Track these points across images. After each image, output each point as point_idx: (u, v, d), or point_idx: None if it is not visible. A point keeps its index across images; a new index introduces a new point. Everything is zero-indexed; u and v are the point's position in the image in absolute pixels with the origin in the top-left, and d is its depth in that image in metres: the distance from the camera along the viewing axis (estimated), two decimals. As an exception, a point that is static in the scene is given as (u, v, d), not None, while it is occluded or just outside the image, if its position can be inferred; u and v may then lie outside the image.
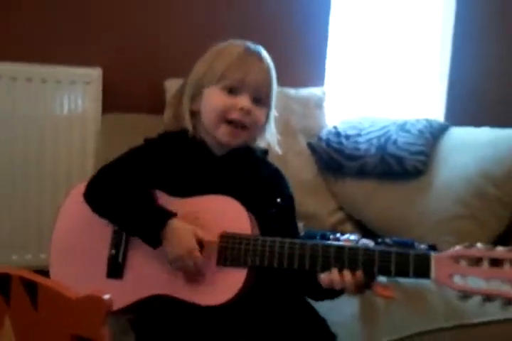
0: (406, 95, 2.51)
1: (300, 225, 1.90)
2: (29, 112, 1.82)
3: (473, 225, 1.84)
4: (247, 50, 1.30)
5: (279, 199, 1.32)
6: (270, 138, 1.36)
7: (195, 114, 1.32)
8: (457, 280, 1.04)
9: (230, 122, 1.27)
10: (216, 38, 1.34)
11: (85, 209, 1.27)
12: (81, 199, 1.28)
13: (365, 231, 2.02)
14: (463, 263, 1.04)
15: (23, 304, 0.79)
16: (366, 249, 1.12)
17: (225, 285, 1.16)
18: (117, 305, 1.15)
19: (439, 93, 2.50)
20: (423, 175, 1.95)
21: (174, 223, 1.17)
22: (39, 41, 1.88)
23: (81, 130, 1.87)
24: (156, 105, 1.83)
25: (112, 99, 1.90)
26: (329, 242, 1.18)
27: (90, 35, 1.93)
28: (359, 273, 1.11)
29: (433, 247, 1.69)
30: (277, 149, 1.38)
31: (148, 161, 1.28)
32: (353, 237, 1.68)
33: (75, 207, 1.30)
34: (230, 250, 1.16)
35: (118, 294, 1.16)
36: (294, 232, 1.34)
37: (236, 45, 1.32)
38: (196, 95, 1.31)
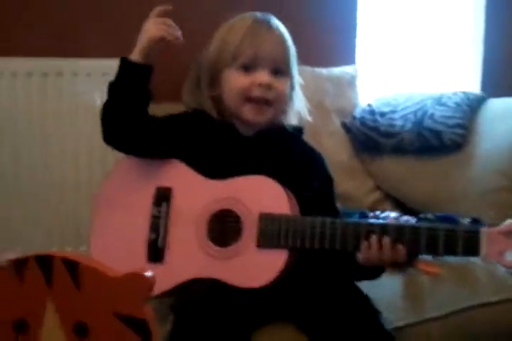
0: (440, 68, 2.45)
1: (337, 205, 1.89)
2: (46, 107, 1.79)
3: (517, 197, 1.80)
4: (255, 22, 1.28)
5: (315, 182, 1.29)
6: (299, 106, 1.33)
7: (216, 98, 1.30)
8: (509, 256, 1.01)
9: (252, 100, 1.25)
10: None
11: (124, 191, 1.28)
12: (119, 180, 1.29)
13: (404, 209, 1.99)
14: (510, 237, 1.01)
15: (65, 284, 0.79)
16: (412, 227, 1.10)
17: (266, 267, 1.15)
18: (158, 289, 1.16)
19: (474, 64, 2.44)
20: (462, 148, 1.90)
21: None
22: (67, 35, 1.86)
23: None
24: (175, 95, 1.82)
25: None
26: (372, 221, 1.15)
27: (111, 25, 1.90)
28: (400, 248, 1.09)
29: (477, 221, 1.66)
30: (308, 117, 1.35)
31: (175, 130, 1.28)
32: (393, 214, 1.66)
33: (113, 189, 1.31)
34: (269, 231, 1.15)
35: (158, 278, 1.17)
36: (333, 214, 1.28)
37: (243, 18, 1.29)
38: (214, 80, 1.29)
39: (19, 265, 0.82)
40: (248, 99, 1.25)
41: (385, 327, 1.17)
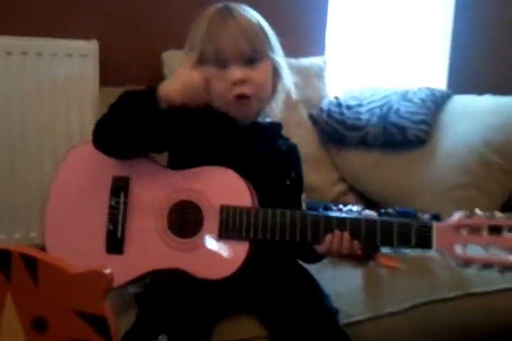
0: (408, 64, 2.47)
1: (303, 196, 1.90)
2: (26, 87, 1.78)
3: (477, 194, 1.83)
4: (215, 15, 1.25)
5: (293, 174, 1.32)
6: (288, 84, 1.33)
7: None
8: (458, 249, 1.05)
9: (234, 98, 1.23)
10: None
11: (79, 180, 1.25)
12: (74, 168, 1.26)
13: (367, 202, 2.01)
14: (463, 231, 1.05)
15: (23, 280, 0.78)
16: (368, 220, 1.12)
17: (228, 258, 1.15)
18: (119, 281, 1.16)
19: (441, 61, 2.46)
20: (426, 144, 1.93)
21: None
22: (34, 14, 1.84)
23: (79, 104, 1.83)
24: (154, 77, 1.80)
25: (109, 72, 1.87)
26: (331, 214, 1.17)
27: (86, 6, 1.88)
28: (355, 242, 1.12)
29: (436, 217, 1.68)
30: (294, 95, 1.36)
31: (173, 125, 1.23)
32: (355, 208, 1.67)
33: (68, 178, 1.27)
34: (231, 223, 1.15)
35: (119, 269, 1.16)
36: (299, 206, 1.34)
37: (207, 12, 1.26)
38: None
39: (-24, 259, 0.80)
40: (230, 101, 1.23)
41: (340, 327, 1.18)
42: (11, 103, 1.78)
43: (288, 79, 1.34)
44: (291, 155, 1.35)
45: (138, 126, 1.15)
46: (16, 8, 1.81)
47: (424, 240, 1.08)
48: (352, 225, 1.12)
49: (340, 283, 1.36)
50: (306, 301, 1.19)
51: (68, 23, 1.86)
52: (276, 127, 1.37)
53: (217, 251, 1.16)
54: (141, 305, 1.18)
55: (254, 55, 1.24)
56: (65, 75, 1.80)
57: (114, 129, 1.17)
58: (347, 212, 1.66)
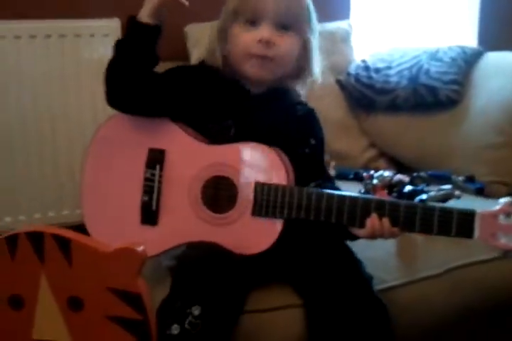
0: (437, 22, 2.41)
1: (332, 164, 1.89)
2: (51, 69, 1.80)
3: (510, 154, 1.79)
4: None
5: (312, 140, 1.30)
6: (316, 68, 1.31)
7: (227, 59, 1.28)
8: (501, 238, 1.04)
9: (253, 56, 1.22)
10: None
11: (115, 150, 1.26)
12: (111, 138, 1.27)
13: (399, 166, 1.99)
14: (502, 219, 1.04)
15: (57, 261, 0.80)
16: (408, 205, 1.10)
17: (261, 235, 1.15)
18: (153, 251, 1.18)
19: (471, 18, 2.39)
20: (457, 104, 1.89)
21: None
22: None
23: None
24: (177, 52, 1.79)
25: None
26: (369, 196, 1.16)
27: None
28: (395, 228, 1.11)
29: (471, 178, 1.67)
30: (319, 80, 1.33)
31: (181, 82, 1.27)
32: (387, 173, 1.66)
33: (102, 149, 1.28)
34: (265, 201, 1.15)
35: (153, 240, 1.20)
36: (323, 172, 1.33)
37: None
38: (225, 38, 1.27)
39: (10, 241, 0.82)
40: (250, 56, 1.23)
41: (375, 293, 1.18)
42: (37, 85, 1.80)
43: (317, 62, 1.32)
44: (309, 120, 1.33)
45: (135, 57, 1.21)
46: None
47: (465, 229, 1.06)
48: (390, 209, 1.10)
49: (374, 249, 1.35)
50: (339, 268, 1.19)
51: (89, 2, 1.85)
52: (292, 92, 1.34)
53: (251, 228, 1.16)
54: (174, 276, 1.20)
55: (290, 22, 1.23)
56: (89, 55, 1.81)
57: (116, 73, 1.22)
58: (378, 177, 1.65)
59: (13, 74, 1.78)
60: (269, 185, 1.15)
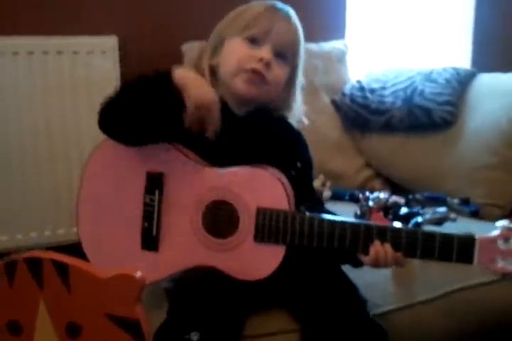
0: (431, 44, 2.43)
1: (328, 184, 1.89)
2: (48, 85, 1.81)
3: (505, 174, 1.80)
4: (275, 6, 1.28)
5: (298, 163, 1.29)
6: (295, 107, 1.32)
7: (214, 71, 1.28)
8: (498, 262, 1.05)
9: (247, 71, 1.22)
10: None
11: (111, 173, 1.23)
12: (106, 160, 1.24)
13: (394, 187, 2.00)
14: (500, 244, 1.05)
15: (56, 286, 0.79)
16: (409, 232, 1.11)
17: (263, 261, 1.14)
18: (154, 278, 1.17)
19: (464, 39, 2.41)
20: (452, 125, 1.90)
21: (180, 70, 1.12)
22: (52, 13, 1.85)
23: (101, 100, 1.85)
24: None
25: (130, 67, 1.87)
26: (371, 222, 1.14)
27: (103, 2, 1.88)
28: (398, 254, 1.11)
29: (466, 201, 1.67)
30: (304, 120, 1.35)
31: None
32: (382, 195, 1.66)
33: (98, 173, 1.25)
34: (267, 227, 1.14)
35: (154, 266, 1.19)
36: (310, 195, 1.33)
37: (262, 2, 1.29)
38: (217, 48, 1.28)
39: (9, 267, 0.82)
40: (243, 70, 1.23)
41: (370, 316, 1.18)
42: (34, 102, 1.80)
43: (300, 105, 1.34)
44: (295, 142, 1.33)
45: (152, 113, 1.11)
46: (33, 8, 1.82)
47: (466, 255, 1.07)
48: (392, 236, 1.10)
49: (371, 273, 1.33)
50: (336, 293, 1.19)
51: (87, 19, 1.87)
52: (277, 115, 1.33)
53: (253, 254, 1.15)
54: (172, 301, 1.19)
55: (287, 54, 1.26)
56: (86, 72, 1.82)
57: (126, 113, 1.13)
58: (374, 199, 1.65)
59: (10, 90, 1.78)
60: (271, 211, 1.14)
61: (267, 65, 1.22)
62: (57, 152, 1.85)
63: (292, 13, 1.29)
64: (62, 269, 0.79)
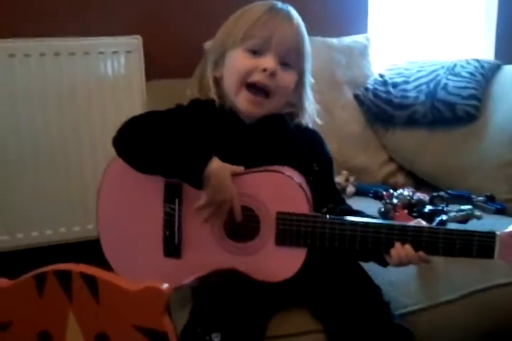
0: (453, 35, 2.40)
1: (351, 179, 1.90)
2: (76, 86, 1.83)
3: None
4: (273, 7, 1.23)
5: (315, 166, 1.28)
6: (309, 108, 1.30)
7: (218, 82, 1.26)
8: None
9: (251, 86, 1.20)
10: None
11: (129, 185, 1.24)
12: (122, 174, 1.23)
13: (417, 182, 1.99)
14: None
15: (85, 298, 0.81)
16: (430, 231, 1.11)
17: (285, 264, 1.16)
18: (177, 283, 1.18)
19: (488, 31, 2.38)
20: (476, 120, 1.88)
21: (214, 164, 1.12)
22: (75, 15, 1.88)
23: (128, 100, 1.88)
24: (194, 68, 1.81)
25: (154, 66, 1.89)
26: (392, 222, 1.16)
27: (125, 3, 1.90)
28: (421, 252, 1.12)
29: (491, 198, 1.66)
30: (317, 120, 1.32)
31: (179, 124, 1.23)
32: (406, 192, 1.65)
33: (117, 183, 1.26)
34: (288, 231, 1.15)
35: (177, 272, 1.20)
36: (332, 195, 1.31)
37: (261, 4, 1.25)
38: (219, 60, 1.26)
39: (38, 279, 0.84)
40: (247, 85, 1.21)
41: (394, 317, 1.18)
42: (63, 101, 1.84)
43: (311, 104, 1.31)
44: (309, 144, 1.31)
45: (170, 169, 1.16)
46: (57, 10, 1.85)
47: (486, 251, 1.09)
48: (413, 236, 1.12)
49: (395, 272, 1.34)
50: (358, 294, 1.19)
51: (111, 20, 1.90)
52: (288, 117, 1.31)
53: (275, 257, 1.16)
54: (195, 301, 1.20)
55: (292, 59, 1.23)
56: (112, 72, 1.85)
57: (146, 155, 1.16)
58: (398, 196, 1.65)
59: (37, 90, 1.81)
60: (291, 215, 1.15)
61: (272, 74, 1.19)
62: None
63: (292, 11, 1.25)
64: (91, 282, 0.81)
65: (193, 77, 1.33)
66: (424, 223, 1.16)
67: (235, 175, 1.15)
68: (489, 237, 1.08)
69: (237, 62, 1.21)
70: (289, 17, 1.23)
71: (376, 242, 1.13)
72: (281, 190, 1.16)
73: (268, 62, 1.19)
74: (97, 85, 1.85)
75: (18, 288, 0.85)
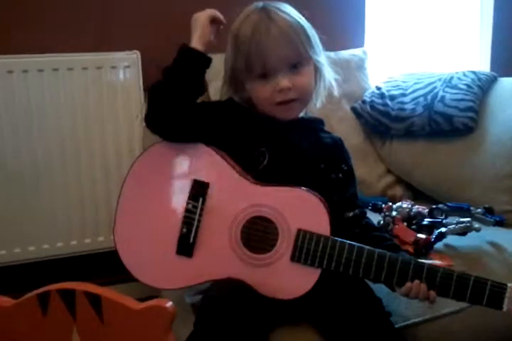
0: (449, 48, 2.42)
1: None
2: (74, 100, 1.85)
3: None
4: (261, 21, 1.25)
5: (344, 166, 1.33)
6: (329, 80, 1.36)
7: (246, 99, 1.32)
8: None
9: (280, 103, 1.26)
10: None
11: (156, 177, 1.25)
12: (152, 164, 1.26)
13: (415, 193, 2.00)
14: None
15: (89, 317, 0.81)
16: (445, 272, 1.12)
17: (296, 282, 1.16)
18: (183, 283, 1.19)
19: (483, 43, 2.40)
20: (474, 132, 1.88)
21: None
22: (73, 31, 1.89)
23: (126, 114, 1.90)
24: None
25: (152, 81, 1.89)
26: (408, 257, 1.17)
27: (123, 19, 1.92)
28: (432, 292, 1.13)
29: (490, 210, 1.66)
30: (335, 90, 1.38)
31: (215, 114, 1.29)
32: (405, 205, 1.65)
33: (142, 177, 1.27)
34: (305, 249, 1.15)
35: (186, 272, 1.19)
36: (356, 200, 1.33)
37: (246, 18, 1.28)
38: (238, 88, 1.31)
39: (42, 298, 0.84)
40: (275, 104, 1.27)
41: (395, 329, 1.20)
42: (61, 116, 1.85)
43: (329, 75, 1.36)
44: (338, 147, 1.36)
45: (185, 85, 1.22)
46: (56, 26, 1.87)
47: (495, 301, 1.10)
48: (428, 274, 1.12)
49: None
50: (360, 308, 1.20)
51: (109, 36, 1.91)
52: (318, 122, 1.39)
53: (287, 273, 1.16)
54: (198, 313, 1.19)
55: (299, 60, 1.26)
56: (110, 87, 1.87)
57: (161, 97, 1.22)
58: (397, 208, 1.65)
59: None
60: (312, 234, 1.15)
61: (288, 89, 1.25)
62: (84, 163, 1.90)
63: (276, 13, 1.26)
64: (95, 300, 0.81)
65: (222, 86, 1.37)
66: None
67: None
68: (501, 288, 1.10)
69: (257, 93, 1.28)
70: (272, 23, 1.24)
71: (390, 274, 1.14)
72: (305, 206, 1.17)
73: (280, 81, 1.24)
74: (95, 100, 1.87)
75: (21, 307, 0.85)
